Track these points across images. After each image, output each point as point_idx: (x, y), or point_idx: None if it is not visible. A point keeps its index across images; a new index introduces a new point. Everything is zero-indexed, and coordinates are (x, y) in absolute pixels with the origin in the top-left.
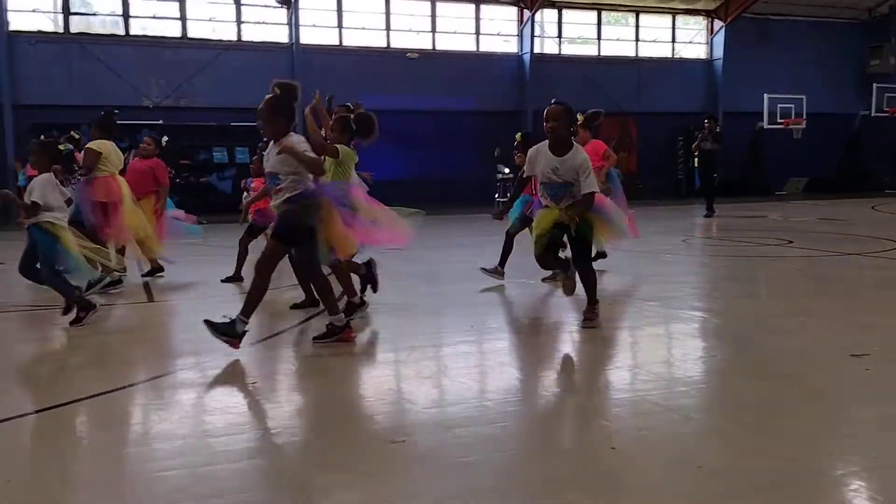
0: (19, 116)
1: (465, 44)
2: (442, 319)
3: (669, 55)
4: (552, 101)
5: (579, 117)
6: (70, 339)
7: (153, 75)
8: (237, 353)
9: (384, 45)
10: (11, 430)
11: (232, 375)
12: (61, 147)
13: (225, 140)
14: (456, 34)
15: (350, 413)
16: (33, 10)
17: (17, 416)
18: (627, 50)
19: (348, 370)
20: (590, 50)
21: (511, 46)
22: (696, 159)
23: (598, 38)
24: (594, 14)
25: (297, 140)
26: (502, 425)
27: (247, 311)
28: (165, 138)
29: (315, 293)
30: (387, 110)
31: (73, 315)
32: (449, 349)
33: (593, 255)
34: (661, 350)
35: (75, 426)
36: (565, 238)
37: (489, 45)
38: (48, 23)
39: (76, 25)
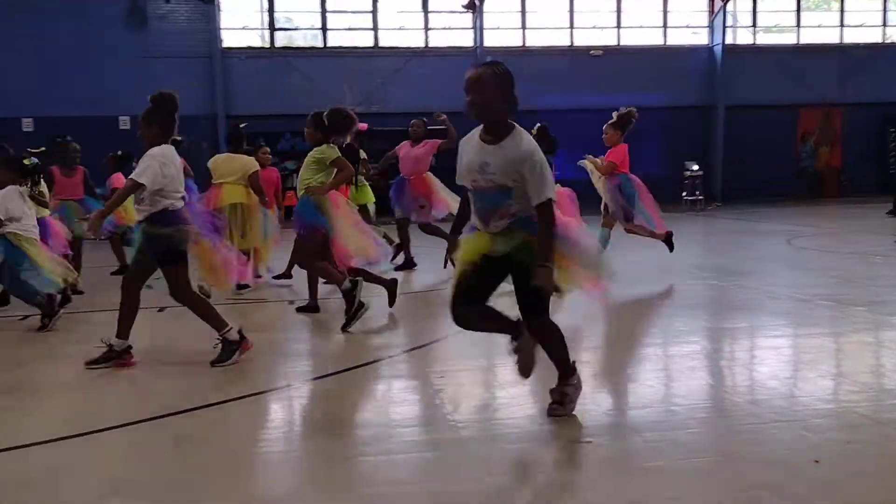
0: (230, 125)
1: (652, 38)
2: (624, 321)
3: (879, 40)
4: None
5: (613, 115)
6: (269, 333)
7: (347, 84)
8: (419, 347)
9: (567, 43)
10: (244, 406)
11: (419, 369)
12: (26, 161)
13: None
14: (642, 28)
15: (534, 412)
16: (243, 28)
17: (252, 394)
18: (830, 36)
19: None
20: (787, 38)
21: (701, 38)
22: None
23: (798, 25)
24: (793, 0)
25: (157, 152)
26: (694, 431)
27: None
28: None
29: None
30: (570, 110)
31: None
32: (633, 351)
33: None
34: (870, 359)
35: (287, 408)
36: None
37: (677, 38)
38: (256, 39)
39: (280, 40)
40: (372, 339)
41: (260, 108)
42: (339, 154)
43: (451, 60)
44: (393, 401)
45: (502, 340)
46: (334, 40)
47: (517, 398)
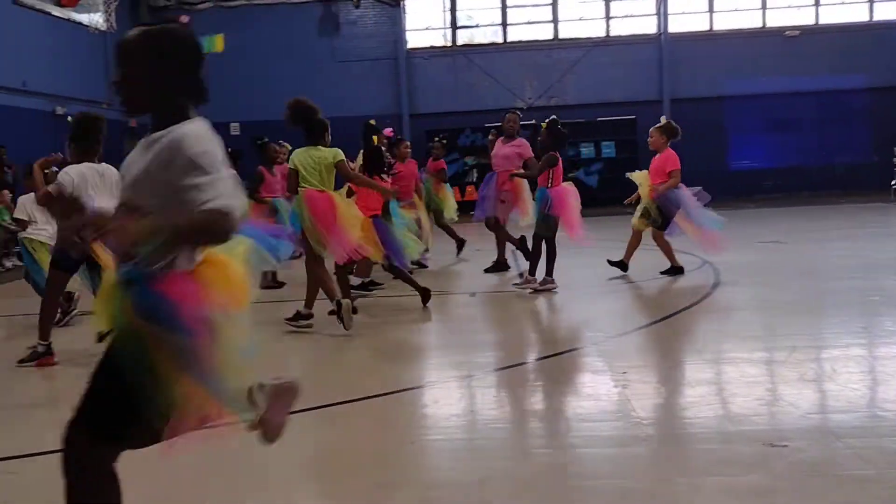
0: (415, 124)
1: (856, 14)
2: (825, 319)
3: None
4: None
5: (662, 120)
6: (451, 324)
7: (527, 78)
8: (604, 342)
9: (759, 25)
10: (428, 393)
11: (603, 364)
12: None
13: (592, 135)
14: (843, 5)
15: (723, 412)
16: (426, 28)
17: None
18: None
19: (719, 367)
20: None
21: None
22: None
23: None
24: None
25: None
26: None
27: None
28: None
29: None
30: (760, 94)
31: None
32: (836, 351)
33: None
34: None
35: (469, 398)
36: None
37: (886, 12)
38: (439, 39)
39: (462, 38)
40: (554, 332)
41: (441, 106)
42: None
43: (634, 49)
44: (576, 395)
45: (689, 338)
46: (514, 35)
47: (706, 397)
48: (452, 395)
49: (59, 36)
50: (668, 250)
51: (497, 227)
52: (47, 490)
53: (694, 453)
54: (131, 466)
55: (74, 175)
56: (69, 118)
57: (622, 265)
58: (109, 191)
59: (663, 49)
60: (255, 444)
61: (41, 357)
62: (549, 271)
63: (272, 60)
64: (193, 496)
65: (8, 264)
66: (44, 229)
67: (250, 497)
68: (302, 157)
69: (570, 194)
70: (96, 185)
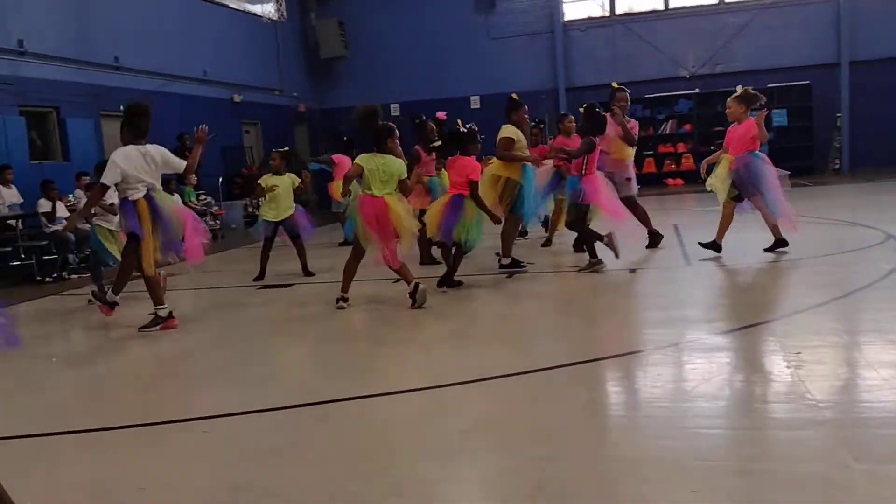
0: (570, 98)
1: None
2: None
3: None
4: None
5: (738, 89)
6: (623, 300)
7: (690, 45)
8: (776, 321)
9: None
10: (598, 369)
11: (774, 343)
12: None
13: None
14: None
15: None
16: None
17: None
18: None
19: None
20: None
21: None
22: None
23: None
24: None
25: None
26: None
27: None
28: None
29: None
30: None
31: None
32: None
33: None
34: None
35: (636, 374)
36: None
37: None
38: (596, 9)
39: (620, 7)
40: (722, 310)
41: (598, 79)
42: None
43: (808, 9)
44: (746, 375)
45: (871, 317)
46: (677, 1)
47: (889, 380)
48: (616, 372)
49: (234, 27)
50: (723, 226)
51: (632, 204)
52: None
53: (875, 439)
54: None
55: (121, 156)
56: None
57: (715, 246)
58: (152, 167)
59: (842, 7)
60: (419, 414)
61: (164, 321)
62: (592, 253)
63: (429, 41)
64: (367, 458)
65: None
66: (109, 220)
67: (409, 463)
68: (367, 162)
69: (602, 182)
70: (141, 163)
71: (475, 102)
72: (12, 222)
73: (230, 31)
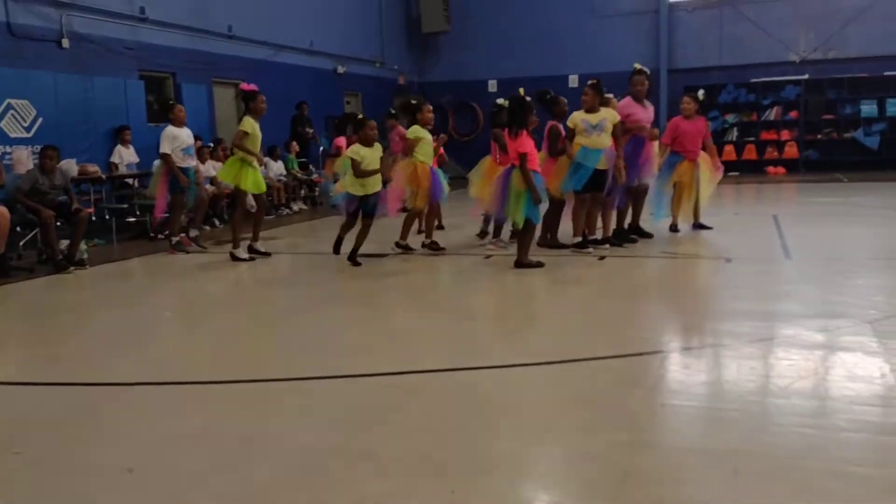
0: (672, 80)
1: None
2: None
3: None
4: None
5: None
6: (703, 292)
7: (802, 29)
8: (881, 321)
9: None
10: (680, 357)
11: (877, 345)
12: None
13: (875, 91)
14: None
15: None
16: None
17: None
18: None
19: None
20: None
21: None
22: None
23: None
24: None
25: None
26: None
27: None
28: None
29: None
30: None
31: None
32: None
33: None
34: None
35: (723, 366)
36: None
37: None
38: None
39: None
40: (823, 307)
41: (702, 61)
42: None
43: None
44: (845, 375)
45: None
46: None
47: None
48: (705, 362)
49: (343, 0)
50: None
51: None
52: None
53: None
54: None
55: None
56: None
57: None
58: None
59: None
60: (511, 391)
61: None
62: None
63: (531, 18)
64: (451, 433)
65: (295, 208)
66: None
67: (501, 440)
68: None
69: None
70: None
71: (573, 81)
72: (129, 181)
73: (336, 3)
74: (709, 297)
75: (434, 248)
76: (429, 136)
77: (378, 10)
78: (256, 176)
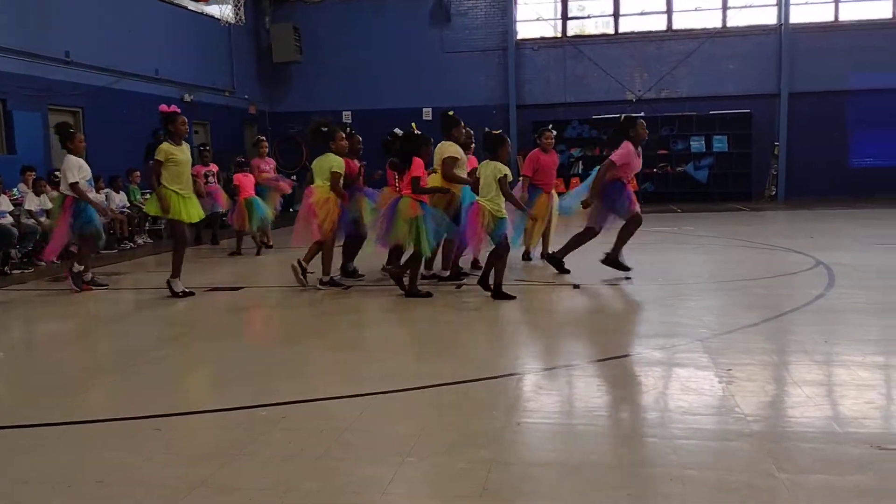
0: (521, 115)
1: None
2: None
3: None
4: None
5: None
6: (553, 315)
7: (637, 69)
8: (710, 339)
9: (889, 16)
10: (533, 379)
11: (708, 360)
12: None
13: (703, 129)
14: None
15: (830, 412)
16: (537, 19)
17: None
18: None
19: (829, 369)
20: None
21: None
22: None
23: None
24: None
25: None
26: None
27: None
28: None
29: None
30: (886, 89)
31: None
32: None
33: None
34: None
35: (572, 385)
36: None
37: None
38: (549, 29)
39: (572, 29)
40: (660, 327)
41: (548, 98)
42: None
43: (752, 41)
44: (680, 389)
45: (798, 338)
46: (626, 26)
47: (813, 398)
48: (557, 382)
49: (187, 27)
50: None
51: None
52: None
53: (797, 451)
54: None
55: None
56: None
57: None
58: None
59: (783, 41)
60: (371, 418)
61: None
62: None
63: (383, 51)
64: (313, 461)
65: (140, 241)
66: None
67: (362, 466)
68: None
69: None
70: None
71: (427, 114)
72: None
73: (183, 31)
74: (559, 322)
75: (334, 284)
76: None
77: (227, 39)
78: (189, 205)
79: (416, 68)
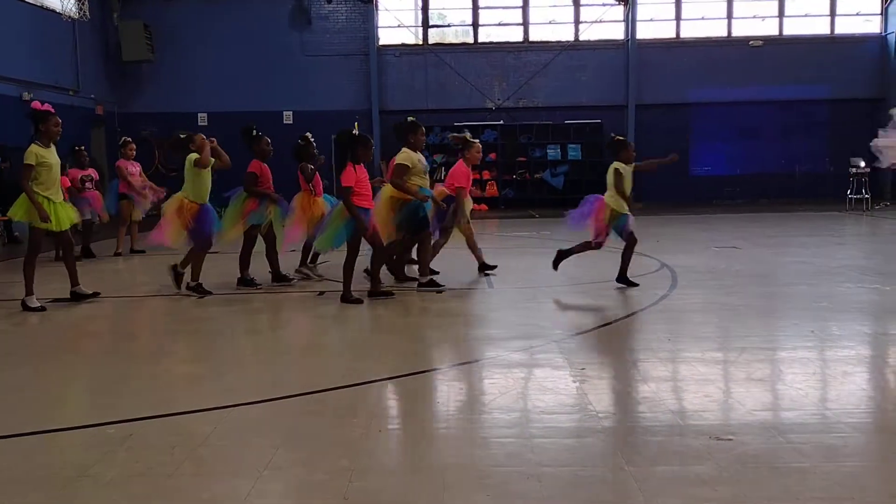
0: (384, 120)
1: (818, 27)
2: (775, 322)
3: None
4: None
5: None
6: (426, 320)
7: (497, 79)
8: (564, 340)
9: (724, 34)
10: (398, 384)
11: (563, 360)
12: None
13: (559, 137)
14: (807, 17)
15: (674, 406)
16: (398, 26)
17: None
18: None
19: (672, 366)
20: None
21: (873, 27)
22: None
23: None
24: None
25: None
26: (842, 436)
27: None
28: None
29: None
30: (724, 103)
31: None
32: (784, 353)
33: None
34: None
35: (433, 390)
36: None
37: (846, 26)
38: (410, 36)
39: (433, 37)
40: (516, 330)
41: (410, 104)
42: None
43: (602, 54)
44: (536, 389)
45: (645, 337)
46: (485, 36)
47: (659, 393)
48: (417, 388)
49: (25, 21)
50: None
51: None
52: None
53: (645, 445)
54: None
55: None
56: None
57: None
58: None
59: (630, 55)
60: (226, 432)
61: None
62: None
63: (241, 52)
64: (163, 479)
65: None
66: None
67: (217, 482)
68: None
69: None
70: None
71: (288, 118)
72: None
73: (19, 24)
74: (422, 327)
75: (200, 290)
76: (207, 174)
77: (72, 35)
78: (59, 210)
79: (277, 71)
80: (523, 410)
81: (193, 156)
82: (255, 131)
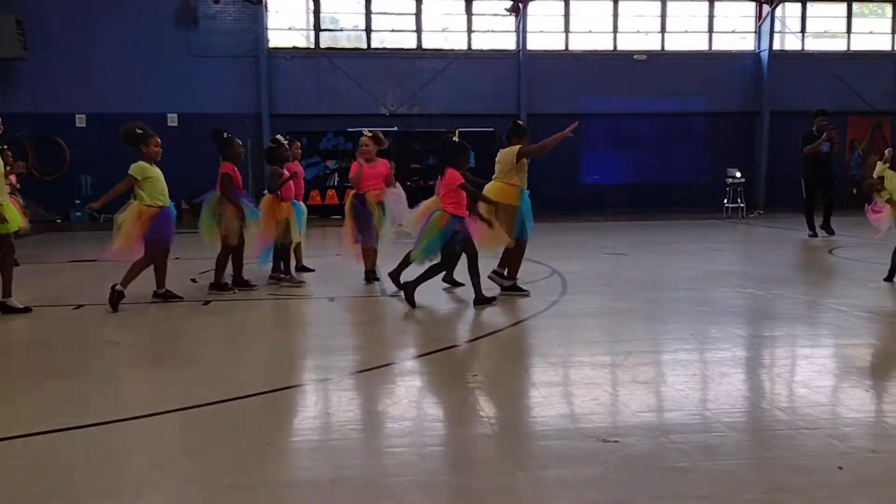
0: (275, 124)
1: (697, 43)
2: (659, 326)
3: None
4: None
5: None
6: (325, 327)
7: (390, 85)
8: (457, 347)
9: (611, 48)
10: (287, 396)
11: (455, 368)
12: None
13: None
14: (687, 34)
15: (563, 410)
16: (289, 29)
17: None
18: (882, 44)
19: (563, 370)
20: (837, 45)
21: (747, 44)
22: None
23: (848, 31)
24: (843, 6)
25: None
26: (720, 435)
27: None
28: None
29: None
30: (611, 114)
31: None
32: (666, 356)
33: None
34: None
35: (325, 400)
36: None
37: (723, 43)
38: (301, 39)
39: (325, 41)
40: (409, 338)
41: (302, 108)
42: None
43: (494, 63)
44: (429, 398)
45: (537, 343)
46: (378, 42)
47: (548, 398)
48: (309, 398)
49: None
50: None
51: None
52: None
53: (534, 449)
54: None
55: None
56: None
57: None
58: None
59: (521, 65)
60: (107, 445)
61: None
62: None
63: (123, 51)
64: (40, 497)
65: None
66: None
67: (99, 499)
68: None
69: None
70: None
71: (173, 120)
72: None
73: None
74: (314, 335)
75: (169, 296)
76: (158, 173)
77: None
78: (10, 212)
79: (161, 71)
80: (416, 419)
81: (139, 165)
82: (225, 134)
